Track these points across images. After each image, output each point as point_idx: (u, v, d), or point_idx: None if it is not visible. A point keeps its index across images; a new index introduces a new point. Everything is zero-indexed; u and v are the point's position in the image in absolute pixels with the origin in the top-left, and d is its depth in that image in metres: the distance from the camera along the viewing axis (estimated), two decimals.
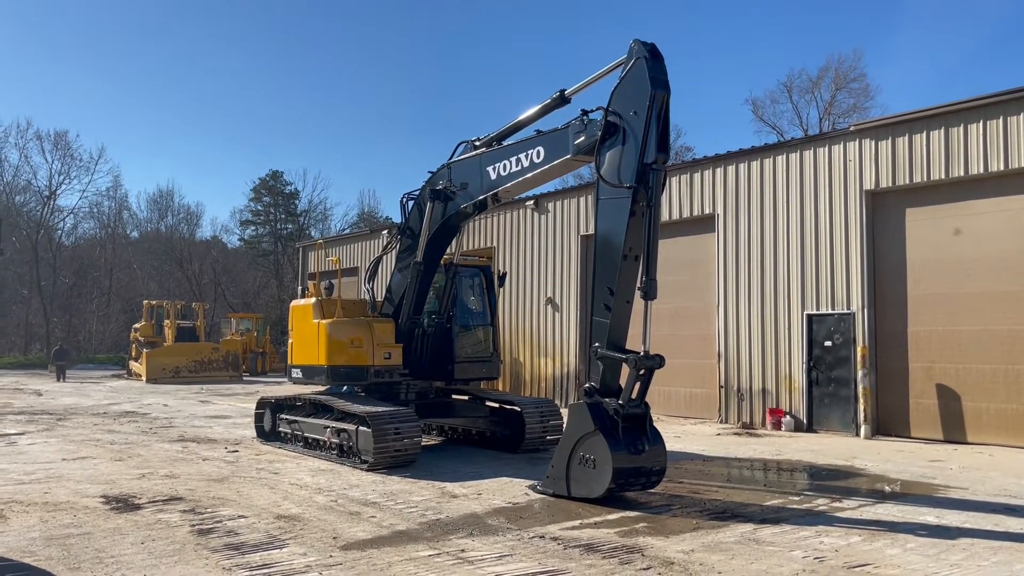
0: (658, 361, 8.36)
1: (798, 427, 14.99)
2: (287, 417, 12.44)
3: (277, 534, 7.04)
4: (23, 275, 56.28)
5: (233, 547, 6.60)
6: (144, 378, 30.91)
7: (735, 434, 14.67)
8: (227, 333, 40.09)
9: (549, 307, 20.59)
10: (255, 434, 13.32)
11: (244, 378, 33.58)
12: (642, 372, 8.35)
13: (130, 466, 10.66)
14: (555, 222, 20.63)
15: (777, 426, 15.15)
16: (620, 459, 8.12)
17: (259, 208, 70.20)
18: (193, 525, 7.34)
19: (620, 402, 8.29)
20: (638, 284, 8.46)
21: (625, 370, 8.46)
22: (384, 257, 12.58)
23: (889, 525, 7.44)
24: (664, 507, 8.23)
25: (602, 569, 6.01)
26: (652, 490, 8.72)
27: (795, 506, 8.33)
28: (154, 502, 8.34)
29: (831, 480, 9.95)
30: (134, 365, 33.52)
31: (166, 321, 33.95)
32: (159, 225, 70.09)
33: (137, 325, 35.41)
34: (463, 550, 6.55)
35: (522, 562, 6.21)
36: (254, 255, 68.32)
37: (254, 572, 5.90)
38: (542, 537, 6.98)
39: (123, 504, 8.22)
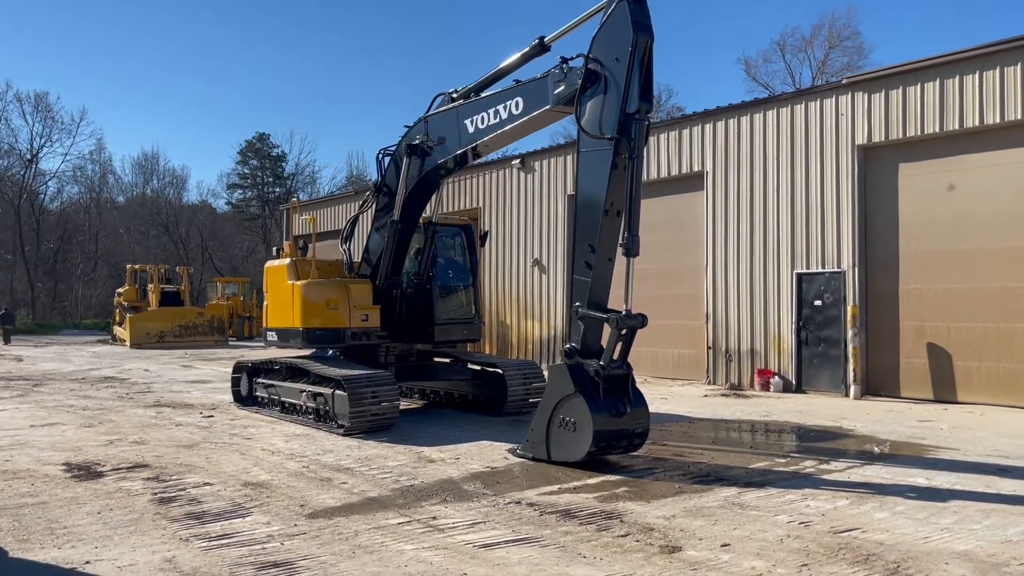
0: (640, 321, 8.05)
1: (787, 388, 14.77)
2: (264, 381, 12.12)
3: (242, 502, 6.75)
4: (6, 240, 55.50)
5: (194, 516, 6.31)
6: (128, 343, 30.51)
7: (723, 395, 14.45)
8: (213, 297, 39.66)
9: (536, 269, 20.25)
10: (232, 399, 13.01)
11: (230, 342, 33.23)
12: (624, 332, 8.04)
13: (99, 432, 10.34)
14: (542, 181, 20.19)
15: (766, 387, 14.93)
16: (601, 421, 7.84)
17: (246, 171, 69.32)
18: (155, 494, 7.04)
19: (601, 363, 8.00)
20: (620, 241, 8.12)
21: (607, 330, 8.15)
22: (361, 216, 12.17)
23: (877, 488, 7.20)
24: (646, 471, 7.97)
25: (578, 536, 5.74)
26: (635, 453, 8.47)
27: (781, 468, 8.08)
28: (117, 470, 8.04)
29: (819, 441, 9.72)
30: (118, 330, 33.09)
31: (150, 286, 33.48)
32: (145, 189, 69.17)
33: (121, 290, 34.95)
34: (435, 517, 6.28)
35: (495, 529, 5.94)
36: (241, 219, 67.56)
37: (211, 543, 5.61)
38: (518, 503, 6.71)
39: (85, 472, 7.91)
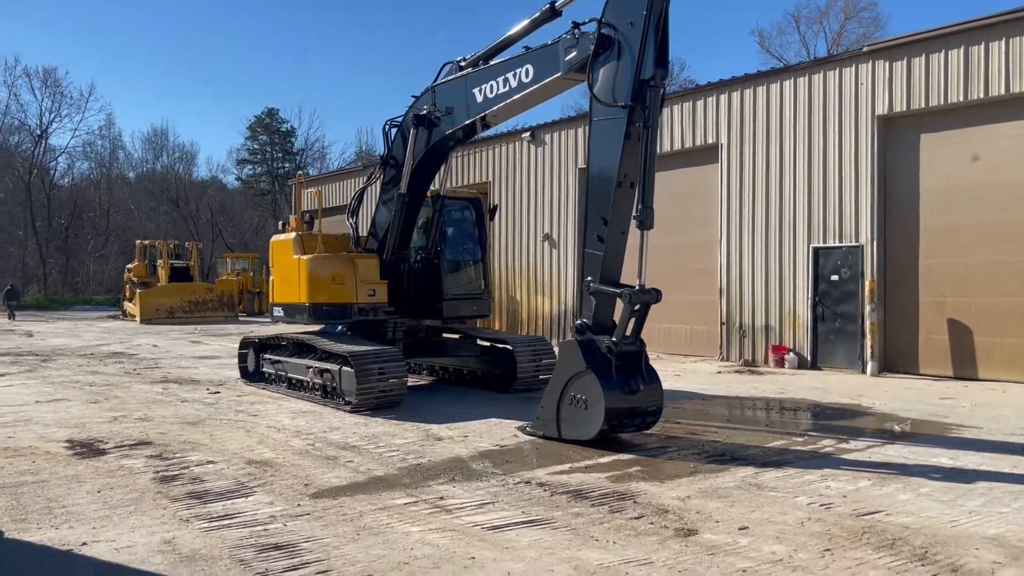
0: (654, 296, 7.81)
1: (802, 364, 14.51)
2: (270, 357, 11.96)
3: (245, 481, 6.59)
4: (17, 216, 55.57)
5: (195, 496, 6.15)
6: (138, 319, 30.52)
7: (736, 372, 14.22)
8: (223, 273, 39.61)
9: (546, 244, 19.97)
10: (239, 375, 12.87)
11: (240, 318, 33.20)
12: (637, 307, 7.80)
13: (104, 409, 10.22)
14: (552, 155, 19.85)
15: (780, 363, 14.68)
16: (613, 399, 7.63)
17: (255, 147, 69.09)
18: (157, 472, 6.89)
19: (613, 339, 7.77)
20: (634, 213, 7.85)
21: (619, 306, 7.91)
22: (368, 190, 11.91)
23: (900, 468, 6.97)
24: (660, 449, 7.76)
25: (590, 518, 5.55)
26: (648, 431, 8.26)
27: (799, 448, 7.86)
28: (121, 447, 7.89)
29: (837, 420, 9.48)
30: (128, 306, 33.11)
31: (159, 261, 33.43)
32: (155, 165, 69.06)
33: (130, 265, 34.94)
34: (442, 497, 6.09)
35: (504, 510, 5.75)
36: (251, 195, 67.40)
37: (212, 524, 5.45)
38: (528, 483, 6.52)
39: (87, 449, 7.77)
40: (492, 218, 12.41)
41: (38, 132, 56.94)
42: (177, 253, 35.28)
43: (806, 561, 4.65)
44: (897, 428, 8.79)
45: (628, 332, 7.83)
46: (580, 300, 8.22)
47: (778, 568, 4.54)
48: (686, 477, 6.70)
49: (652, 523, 5.43)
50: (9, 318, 33.03)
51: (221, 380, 13.07)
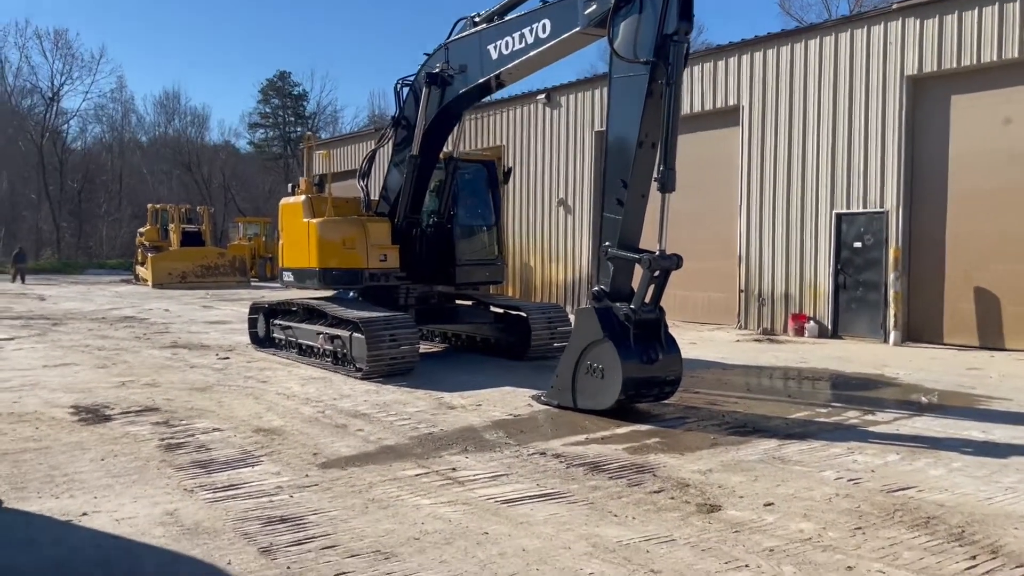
0: (675, 261, 7.52)
1: (822, 333, 14.21)
2: (281, 323, 11.78)
3: (252, 450, 6.41)
4: (31, 180, 55.58)
5: (200, 465, 5.97)
6: (150, 283, 30.47)
7: (755, 341, 13.94)
8: (235, 238, 39.47)
9: (561, 209, 19.63)
10: (249, 341, 12.72)
11: (252, 283, 33.11)
12: (657, 274, 7.52)
13: (112, 374, 10.08)
14: (568, 118, 19.43)
15: (800, 332, 14.38)
16: (631, 368, 7.38)
17: (267, 111, 68.62)
18: (162, 439, 6.72)
19: (632, 306, 7.50)
20: (654, 175, 7.53)
21: (638, 272, 7.64)
22: (379, 151, 11.61)
23: (930, 441, 6.71)
24: (679, 420, 7.53)
25: (607, 492, 5.33)
26: (666, 401, 8.02)
27: (823, 420, 7.60)
28: (126, 413, 7.74)
29: (861, 390, 9.21)
30: (140, 270, 33.08)
31: (171, 225, 33.29)
32: (167, 128, 68.78)
33: (142, 229, 34.84)
34: (454, 468, 5.89)
35: (518, 483, 5.54)
36: (264, 159, 67.09)
37: (217, 494, 5.27)
38: (543, 454, 6.31)
39: (92, 415, 7.62)
40: (506, 181, 12.08)
41: (49, 95, 56.72)
42: (189, 217, 35.13)
43: (836, 540, 4.42)
44: (924, 399, 8.51)
45: (647, 299, 7.57)
46: (597, 266, 7.94)
47: (807, 547, 4.31)
48: (707, 449, 6.46)
49: (673, 498, 5.20)
50: (17, 281, 33.07)
51: (231, 345, 12.92)
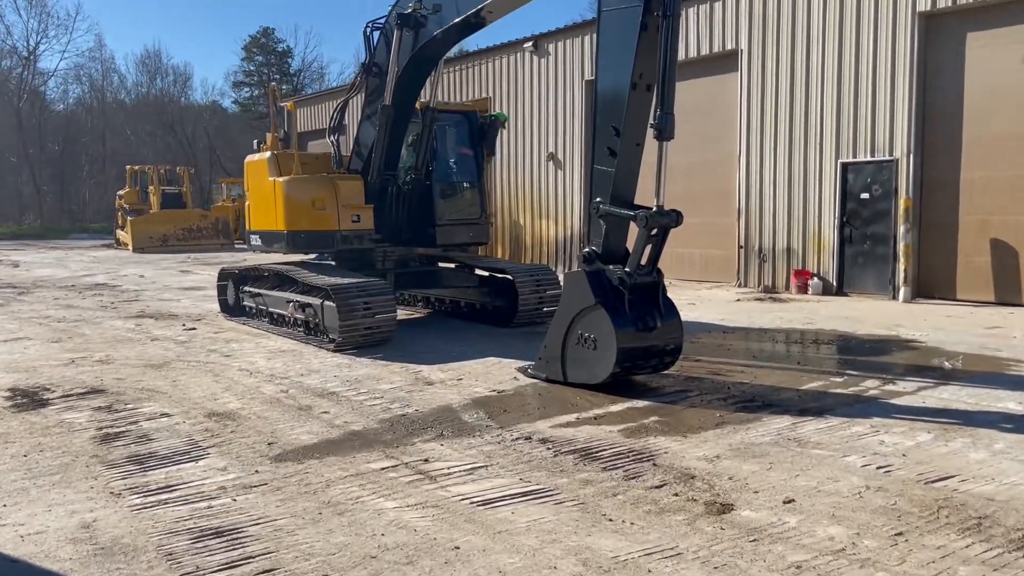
0: (674, 218, 6.73)
1: (826, 290, 13.48)
2: (250, 290, 10.98)
3: (199, 440, 5.66)
4: (11, 143, 54.09)
5: (136, 460, 5.23)
6: (131, 247, 29.54)
7: (757, 299, 13.20)
8: (219, 199, 38.40)
9: (551, 164, 18.73)
10: (219, 309, 11.93)
11: (236, 246, 32.16)
12: (654, 232, 6.74)
13: (65, 349, 9.30)
14: (556, 66, 18.41)
15: (803, 289, 13.65)
16: (626, 337, 6.64)
17: (251, 68, 66.80)
18: (100, 429, 5.97)
19: (627, 269, 6.73)
20: (651, 121, 6.70)
21: (633, 230, 6.85)
22: (351, 103, 10.68)
23: (962, 416, 6.00)
24: (679, 394, 6.80)
25: (601, 487, 4.61)
26: (665, 372, 7.29)
27: (839, 390, 6.88)
28: (68, 396, 6.97)
29: (877, 355, 8.50)
30: (121, 234, 32.08)
31: (150, 187, 32.20)
32: (150, 89, 66.95)
33: (121, 192, 33.70)
34: (427, 459, 5.16)
35: (499, 476, 4.81)
36: (249, 118, 65.48)
37: (147, 499, 4.53)
38: (528, 439, 5.58)
39: (29, 400, 6.86)
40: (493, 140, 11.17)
41: (25, 54, 54.97)
42: (169, 179, 34.00)
43: (875, 551, 3.71)
44: (948, 365, 7.80)
45: (643, 261, 6.80)
46: (588, 224, 7.14)
47: (841, 561, 3.60)
48: (712, 430, 5.74)
49: (677, 494, 4.48)
50: None
51: (200, 315, 12.13)
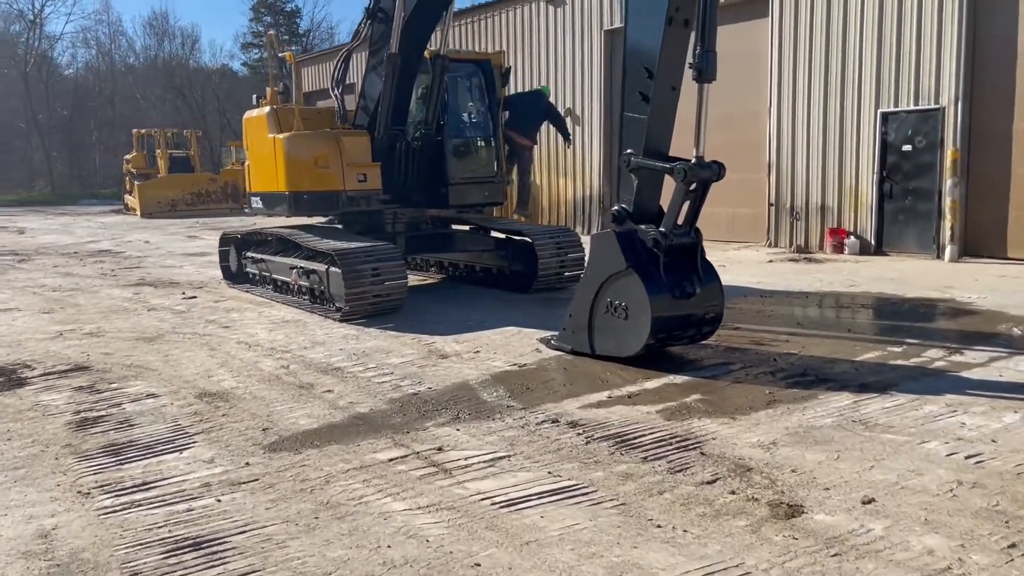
0: (715, 171, 6.01)
1: (864, 250, 12.68)
2: (253, 255, 10.34)
3: (187, 425, 5.05)
4: (18, 109, 53.48)
5: (113, 451, 4.62)
6: (139, 212, 28.99)
7: (790, 260, 12.42)
8: (228, 163, 37.70)
9: (568, 120, 17.84)
10: (222, 276, 11.31)
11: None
12: (692, 187, 6.01)
13: (54, 320, 8.72)
14: (575, 17, 17.44)
15: (839, 249, 12.85)
16: (662, 305, 5.94)
17: (260, 29, 65.52)
18: (78, 412, 5.37)
19: (662, 229, 6.01)
20: (688, 60, 5.93)
21: (668, 186, 6.12)
22: (355, 52, 9.90)
23: None
24: (721, 368, 6.12)
25: (644, 482, 3.96)
26: (703, 343, 6.61)
27: (900, 361, 6.17)
28: (49, 374, 6.38)
29: (933, 321, 7.78)
30: (129, 199, 31.53)
31: (157, 151, 31.52)
32: (158, 52, 65.95)
33: (128, 156, 33.09)
34: (441, 448, 4.52)
35: (525, 470, 4.17)
36: (259, 80, 64.42)
37: (119, 499, 3.93)
38: (555, 421, 4.93)
39: (5, 379, 6.27)
40: (505, 84, 10.39)
41: (31, 17, 54.09)
42: (176, 142, 33.30)
43: (988, 569, 3.04)
44: (1017, 331, 7.04)
45: (681, 219, 6.08)
46: (618, 179, 6.40)
47: None
48: (763, 410, 5.06)
49: (734, 492, 3.82)
50: None
51: (203, 282, 11.53)
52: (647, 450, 4.42)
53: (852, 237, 12.80)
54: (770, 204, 14.09)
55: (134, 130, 34.71)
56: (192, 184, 30.40)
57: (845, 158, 13.00)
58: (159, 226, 24.35)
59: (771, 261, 12.35)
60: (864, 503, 3.65)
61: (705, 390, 5.53)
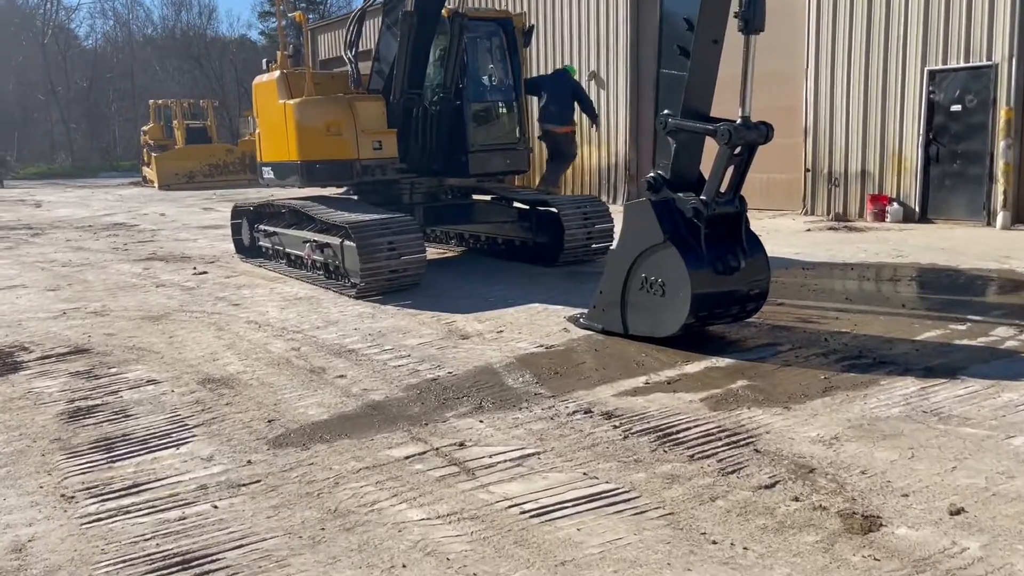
0: (763, 132, 5.46)
1: (907, 217, 12.02)
2: (266, 228, 9.92)
3: (187, 416, 4.64)
4: (36, 81, 53.36)
5: (105, 446, 4.22)
6: (156, 184, 28.72)
7: (830, 229, 11.79)
8: (245, 134, 37.30)
9: (592, 83, 17.16)
10: (235, 250, 10.91)
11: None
12: (738, 151, 5.46)
13: (60, 298, 8.36)
14: None
15: (880, 216, 12.20)
16: (703, 281, 5.43)
17: None
18: (72, 401, 4.98)
19: (703, 197, 5.48)
20: (732, 9, 5.36)
21: (709, 151, 5.58)
22: (368, 11, 9.35)
23: None
24: (768, 348, 5.61)
25: (692, 487, 3.49)
26: (747, 320, 6.10)
27: (965, 341, 5.63)
28: (46, 358, 6.00)
29: (995, 294, 7.20)
30: (146, 171, 31.28)
31: (174, 122, 31.17)
32: (176, 22, 65.44)
33: (145, 128, 32.78)
34: (463, 443, 4.08)
35: (556, 471, 3.71)
36: (276, 50, 63.83)
37: (105, 504, 3.53)
38: (588, 412, 4.46)
39: (2, 362, 5.90)
40: (527, 44, 9.80)
41: None
42: (193, 112, 32.91)
43: None
44: None
45: (724, 187, 5.55)
46: (655, 143, 5.85)
47: None
48: (819, 398, 4.56)
49: (797, 499, 3.34)
50: None
51: (215, 256, 11.14)
52: (693, 446, 3.95)
53: (895, 204, 12.13)
54: (806, 170, 13.42)
55: (151, 101, 34.42)
56: (209, 155, 30.07)
57: (888, 120, 12.28)
58: (176, 198, 24.05)
59: (809, 230, 11.72)
60: (952, 514, 3.15)
61: (752, 374, 5.03)
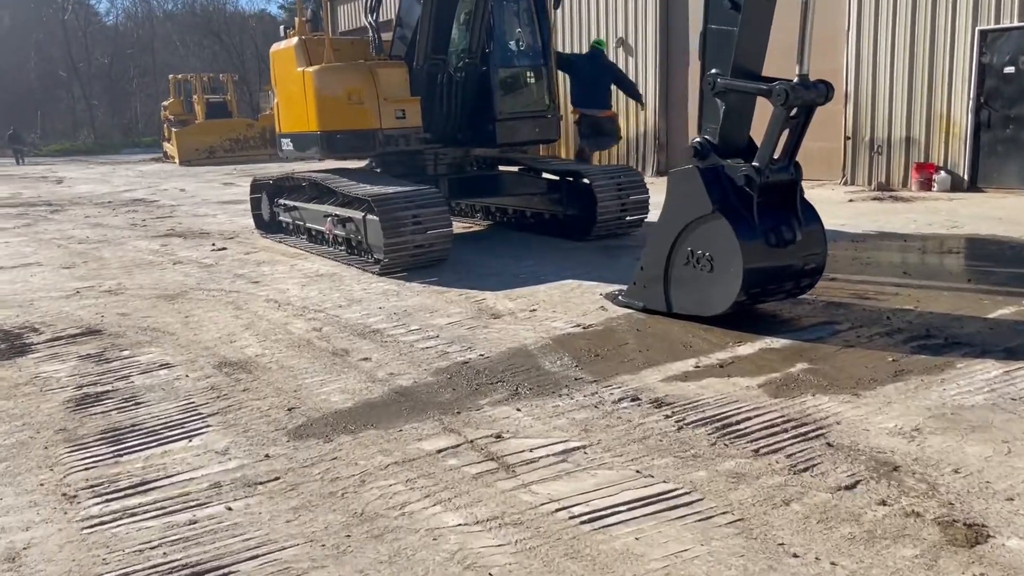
0: (823, 91, 5.03)
1: (955, 186, 11.43)
2: (286, 203, 9.56)
3: (200, 403, 4.31)
4: (57, 58, 53.32)
5: (113, 438, 3.90)
6: (177, 160, 28.51)
7: (874, 199, 11.23)
8: (266, 108, 36.95)
9: (621, 50, 16.57)
10: (254, 225, 10.58)
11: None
12: (794, 113, 5.00)
13: (74, 276, 8.07)
14: None
15: (926, 185, 11.61)
16: (756, 255, 5.01)
17: None
18: (80, 387, 4.67)
19: (755, 164, 5.04)
20: None
21: (761, 113, 5.13)
22: None
23: None
24: (825, 327, 5.18)
25: (762, 488, 3.10)
26: (800, 297, 5.67)
27: None
28: (56, 340, 5.70)
29: None
30: (167, 147, 31.07)
31: (194, 96, 30.88)
32: None
33: (165, 103, 32.55)
34: (499, 435, 3.71)
35: (605, 467, 3.33)
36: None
37: (109, 505, 3.21)
38: (635, 399, 4.07)
39: (8, 345, 5.61)
40: (558, 5, 9.30)
41: None
42: (213, 87, 32.60)
43: None
44: None
45: (778, 153, 5.10)
46: (701, 104, 5.39)
47: None
48: (891, 383, 4.13)
49: (885, 503, 2.93)
50: (17, 163, 32.92)
51: (234, 232, 10.83)
52: (757, 439, 3.55)
53: (942, 172, 11.54)
54: (847, 138, 12.82)
55: (171, 76, 34.11)
56: (229, 130, 29.79)
57: (935, 84, 11.65)
58: (196, 173, 23.81)
59: (851, 200, 11.18)
60: None
61: (812, 357, 4.61)
